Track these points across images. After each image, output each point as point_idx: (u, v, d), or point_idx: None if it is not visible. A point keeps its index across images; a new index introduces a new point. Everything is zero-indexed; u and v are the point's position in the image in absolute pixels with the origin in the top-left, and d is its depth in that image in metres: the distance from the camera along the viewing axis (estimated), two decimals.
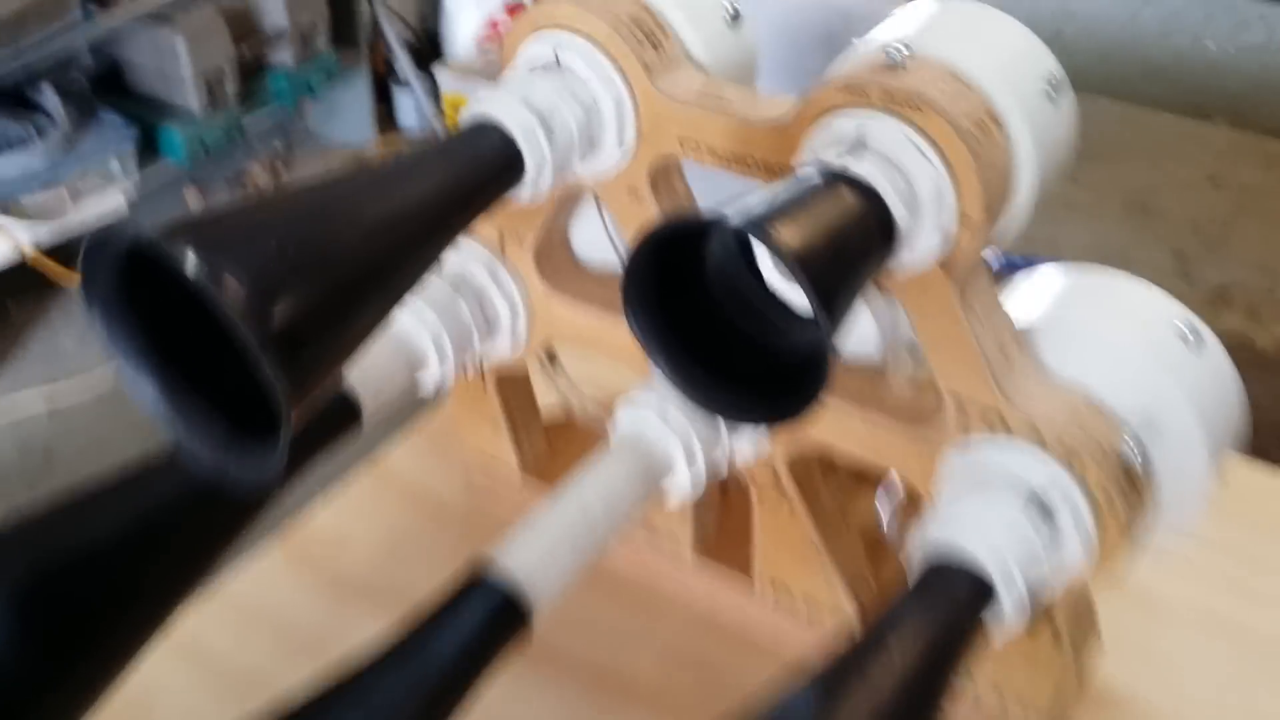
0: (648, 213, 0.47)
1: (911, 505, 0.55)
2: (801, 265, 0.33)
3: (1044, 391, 0.43)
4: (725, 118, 0.44)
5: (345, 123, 2.43)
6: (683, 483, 0.47)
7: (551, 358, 0.58)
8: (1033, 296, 0.45)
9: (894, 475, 0.51)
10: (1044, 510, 0.42)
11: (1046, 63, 0.42)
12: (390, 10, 2.38)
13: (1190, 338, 0.44)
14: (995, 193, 0.40)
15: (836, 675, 0.35)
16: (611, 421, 0.47)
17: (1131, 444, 0.42)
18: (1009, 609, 0.40)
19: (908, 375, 0.47)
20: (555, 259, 0.54)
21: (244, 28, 2.18)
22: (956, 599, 0.40)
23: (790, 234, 0.34)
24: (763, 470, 0.51)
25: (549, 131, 0.43)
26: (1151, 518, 0.44)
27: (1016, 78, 0.41)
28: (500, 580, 0.39)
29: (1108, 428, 0.42)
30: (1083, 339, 0.44)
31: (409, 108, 2.45)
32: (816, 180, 0.38)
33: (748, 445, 0.49)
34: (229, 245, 0.31)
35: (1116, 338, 0.44)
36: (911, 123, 0.39)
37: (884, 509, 0.56)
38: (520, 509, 0.45)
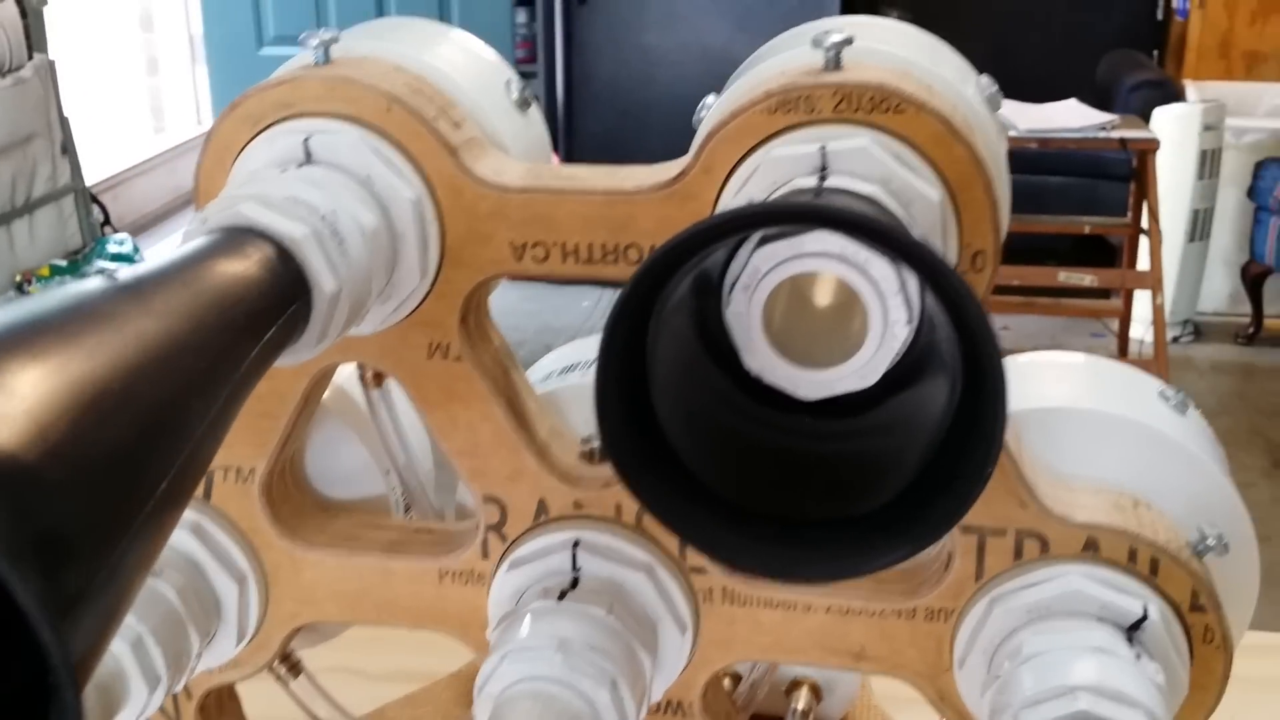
0: (473, 389, 0.32)
1: None
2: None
3: (1069, 495, 0.32)
4: (583, 196, 0.30)
5: None
6: None
7: (293, 665, 0.40)
8: None
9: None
10: (1131, 642, 0.30)
11: (970, 68, 0.33)
12: None
13: (1172, 399, 0.36)
14: (1000, 217, 0.29)
15: None
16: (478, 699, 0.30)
17: (1206, 532, 0.32)
18: None
19: None
20: (295, 496, 0.37)
21: None
22: None
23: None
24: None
25: (339, 241, 0.28)
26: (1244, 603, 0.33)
27: (964, 80, 0.31)
28: None
29: (1167, 523, 0.32)
30: (1078, 423, 0.34)
31: None
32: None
33: (666, 674, 0.34)
34: None
35: (1115, 415, 0.34)
36: (887, 129, 0.28)
37: None
38: None
